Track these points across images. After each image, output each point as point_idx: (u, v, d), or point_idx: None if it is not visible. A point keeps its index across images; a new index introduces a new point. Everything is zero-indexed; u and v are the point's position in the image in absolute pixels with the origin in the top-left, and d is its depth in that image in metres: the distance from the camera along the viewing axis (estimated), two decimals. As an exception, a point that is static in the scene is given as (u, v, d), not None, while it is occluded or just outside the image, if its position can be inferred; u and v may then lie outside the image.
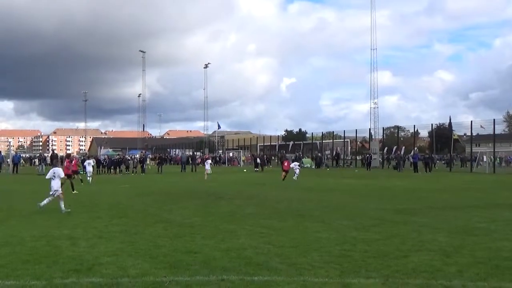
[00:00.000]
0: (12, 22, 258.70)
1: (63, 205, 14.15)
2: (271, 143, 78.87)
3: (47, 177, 14.95)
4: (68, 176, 20.30)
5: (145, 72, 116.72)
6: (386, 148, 60.94)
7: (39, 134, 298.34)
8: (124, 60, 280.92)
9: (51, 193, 14.45)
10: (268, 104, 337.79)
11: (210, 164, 37.31)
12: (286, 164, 30.83)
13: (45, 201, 14.28)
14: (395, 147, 58.02)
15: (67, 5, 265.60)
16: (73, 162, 24.60)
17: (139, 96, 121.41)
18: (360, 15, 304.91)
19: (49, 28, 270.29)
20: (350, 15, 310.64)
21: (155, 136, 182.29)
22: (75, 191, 20.99)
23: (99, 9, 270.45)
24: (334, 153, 61.49)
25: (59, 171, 14.90)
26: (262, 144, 79.06)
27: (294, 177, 29.50)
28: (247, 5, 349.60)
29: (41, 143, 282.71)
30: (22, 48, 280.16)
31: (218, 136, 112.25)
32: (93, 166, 45.37)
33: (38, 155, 70.41)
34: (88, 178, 29.68)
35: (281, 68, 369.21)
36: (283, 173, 30.14)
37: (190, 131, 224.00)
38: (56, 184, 14.57)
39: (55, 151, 67.27)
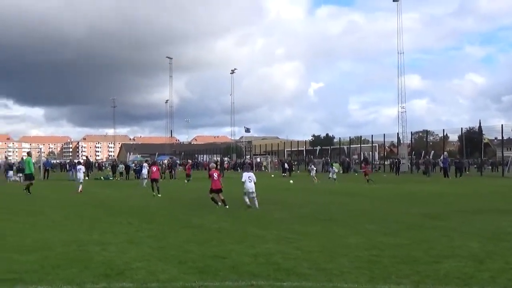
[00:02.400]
0: (43, 30, 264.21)
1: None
2: (299, 148, 78.69)
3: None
4: (154, 180, 23.41)
5: (172, 78, 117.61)
6: (413, 153, 60.30)
7: (69, 140, 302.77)
8: (153, 66, 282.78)
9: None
10: (296, 109, 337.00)
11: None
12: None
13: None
14: (423, 151, 57.37)
15: (98, 12, 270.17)
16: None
17: (166, 102, 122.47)
18: (388, 17, 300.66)
19: (79, 35, 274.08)
20: (378, 18, 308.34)
21: (183, 142, 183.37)
22: (159, 195, 22.52)
23: (128, 15, 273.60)
24: (362, 157, 61.06)
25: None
26: (290, 149, 78.95)
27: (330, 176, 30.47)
28: (276, 9, 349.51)
29: (71, 150, 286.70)
30: (53, 55, 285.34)
31: (245, 141, 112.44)
32: (121, 173, 46.39)
33: (69, 161, 71.45)
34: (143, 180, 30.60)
35: (309, 73, 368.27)
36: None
37: (218, 136, 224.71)
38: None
39: (89, 157, 67.93)
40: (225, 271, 7.44)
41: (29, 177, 24.75)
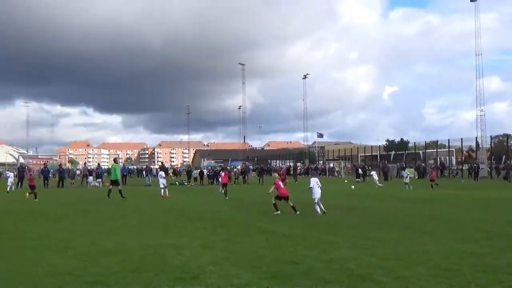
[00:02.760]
0: (122, 41, 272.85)
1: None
2: (372, 153, 77.48)
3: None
4: (224, 184, 26.58)
5: (245, 84, 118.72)
6: (493, 157, 58.07)
7: (145, 146, 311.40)
8: (226, 72, 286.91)
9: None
10: (370, 113, 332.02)
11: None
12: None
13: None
14: (504, 156, 55.16)
15: (174, 21, 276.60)
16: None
17: (239, 108, 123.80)
18: (465, 18, 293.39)
19: (156, 45, 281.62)
20: (454, 19, 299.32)
21: (255, 148, 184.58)
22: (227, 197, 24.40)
23: (203, 23, 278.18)
24: (439, 163, 59.37)
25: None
26: (363, 154, 77.84)
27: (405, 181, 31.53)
28: (349, 13, 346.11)
29: (147, 156, 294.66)
30: (131, 65, 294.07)
31: (318, 146, 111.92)
32: (195, 178, 47.26)
33: (145, 166, 73.34)
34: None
35: (383, 76, 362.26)
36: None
37: (290, 142, 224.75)
38: None
39: (164, 163, 69.71)
40: (298, 277, 7.41)
41: (115, 182, 25.65)
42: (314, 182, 16.45)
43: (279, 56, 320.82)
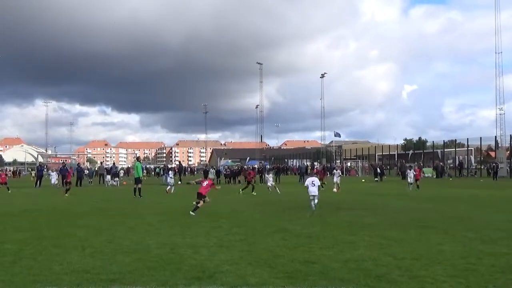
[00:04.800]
0: (140, 39, 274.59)
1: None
2: (390, 153, 77.05)
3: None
4: (249, 182, 29.57)
5: (262, 84, 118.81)
6: (513, 157, 57.47)
7: (163, 146, 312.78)
8: (244, 71, 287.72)
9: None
10: (388, 112, 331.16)
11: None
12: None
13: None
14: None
15: (192, 20, 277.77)
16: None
17: (256, 107, 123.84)
18: (486, 16, 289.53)
19: (175, 45, 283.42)
20: (476, 16, 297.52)
21: (272, 147, 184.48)
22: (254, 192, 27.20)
23: (222, 22, 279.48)
24: (457, 162, 58.89)
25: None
26: (381, 153, 77.44)
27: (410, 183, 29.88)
28: (368, 11, 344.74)
29: (164, 155, 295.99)
30: (149, 65, 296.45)
31: (335, 145, 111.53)
32: (212, 178, 47.35)
33: (163, 166, 73.68)
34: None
35: (402, 75, 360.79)
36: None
37: (308, 141, 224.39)
38: None
39: (181, 162, 69.94)
40: (314, 276, 7.40)
41: (138, 181, 26.00)
42: (310, 181, 17.05)
43: (298, 55, 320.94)
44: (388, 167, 66.75)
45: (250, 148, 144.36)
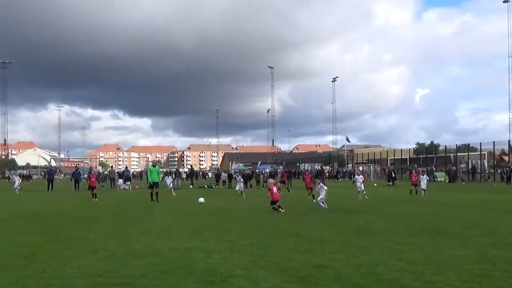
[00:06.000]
0: (152, 43, 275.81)
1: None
2: (402, 157, 76.70)
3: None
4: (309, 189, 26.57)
5: (274, 87, 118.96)
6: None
7: (174, 150, 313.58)
8: (256, 75, 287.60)
9: None
10: (401, 116, 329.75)
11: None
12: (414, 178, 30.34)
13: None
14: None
15: (204, 23, 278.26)
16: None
17: (268, 111, 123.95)
18: (500, 19, 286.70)
19: (187, 48, 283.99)
20: (490, 20, 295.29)
21: (284, 151, 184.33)
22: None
23: (233, 25, 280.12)
24: (470, 166, 58.48)
25: None
26: (393, 157, 77.11)
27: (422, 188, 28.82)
28: (381, 14, 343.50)
29: (176, 159, 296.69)
30: (160, 67, 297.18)
31: (347, 150, 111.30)
32: (223, 181, 47.40)
33: (175, 170, 73.95)
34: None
35: (415, 79, 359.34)
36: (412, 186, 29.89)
37: (319, 145, 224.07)
38: None
39: (193, 166, 70.09)
40: (327, 281, 7.36)
41: (155, 185, 26.05)
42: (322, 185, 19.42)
43: (310, 58, 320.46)
44: (400, 171, 66.33)
45: (261, 152, 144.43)
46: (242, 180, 34.95)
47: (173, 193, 31.46)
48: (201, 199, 15.27)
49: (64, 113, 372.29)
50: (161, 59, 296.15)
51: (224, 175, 49.68)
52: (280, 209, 18.52)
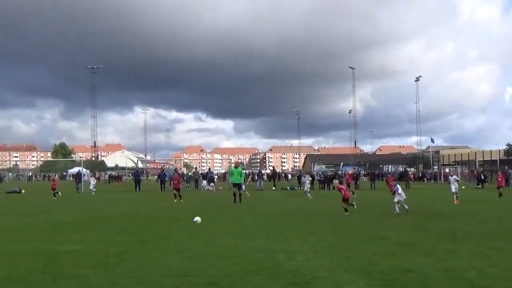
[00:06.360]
0: (233, 45, 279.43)
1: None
2: (492, 158, 73.62)
3: None
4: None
5: (355, 88, 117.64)
6: None
7: (256, 151, 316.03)
8: (337, 75, 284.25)
9: None
10: (490, 116, 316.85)
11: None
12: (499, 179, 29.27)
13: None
14: None
15: (285, 25, 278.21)
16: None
17: (350, 112, 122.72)
18: None
19: (268, 50, 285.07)
20: None
21: (366, 152, 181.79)
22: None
23: (313, 26, 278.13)
24: None
25: None
26: (481, 159, 74.18)
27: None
28: (467, 9, 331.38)
29: (258, 160, 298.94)
30: (241, 69, 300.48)
31: (432, 151, 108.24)
32: (303, 183, 47.21)
33: (257, 171, 74.55)
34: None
35: (505, 76, 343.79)
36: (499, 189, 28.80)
37: (403, 146, 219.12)
38: None
39: (275, 168, 70.52)
40: (413, 285, 7.18)
41: (239, 186, 26.40)
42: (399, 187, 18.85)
43: (391, 57, 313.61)
44: (490, 173, 63.75)
45: (343, 154, 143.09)
46: (309, 180, 35.45)
47: (247, 194, 30.59)
48: (197, 218, 14.74)
49: (149, 115, 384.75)
50: (242, 61, 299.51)
51: (306, 176, 49.49)
52: (353, 204, 18.86)
